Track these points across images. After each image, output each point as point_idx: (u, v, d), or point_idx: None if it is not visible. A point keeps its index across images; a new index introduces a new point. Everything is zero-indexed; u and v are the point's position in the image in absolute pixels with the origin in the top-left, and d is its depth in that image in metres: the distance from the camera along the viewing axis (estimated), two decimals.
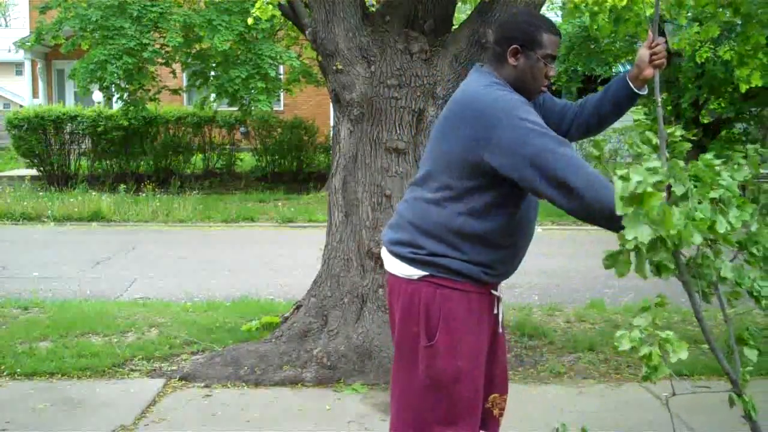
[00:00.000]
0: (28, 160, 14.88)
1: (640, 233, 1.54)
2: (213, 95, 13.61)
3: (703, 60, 10.65)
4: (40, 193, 13.05)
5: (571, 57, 13.94)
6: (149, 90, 13.49)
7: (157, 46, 12.54)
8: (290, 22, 8.88)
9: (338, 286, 4.41)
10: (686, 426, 3.58)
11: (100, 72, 11.91)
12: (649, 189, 1.51)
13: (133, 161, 14.92)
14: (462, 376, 2.21)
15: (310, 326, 4.43)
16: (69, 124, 14.46)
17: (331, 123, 7.60)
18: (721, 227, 1.64)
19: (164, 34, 12.38)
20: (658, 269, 1.72)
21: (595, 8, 6.35)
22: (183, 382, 4.16)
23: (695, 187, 1.73)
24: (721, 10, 5.94)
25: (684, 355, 1.65)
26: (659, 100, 2.11)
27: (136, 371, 4.34)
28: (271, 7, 5.45)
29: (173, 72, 13.80)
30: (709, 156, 1.77)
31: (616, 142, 15.08)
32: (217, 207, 12.21)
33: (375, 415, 3.72)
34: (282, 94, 16.94)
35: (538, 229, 2.32)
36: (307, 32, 4.64)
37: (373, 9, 4.70)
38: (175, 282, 7.12)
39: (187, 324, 5.21)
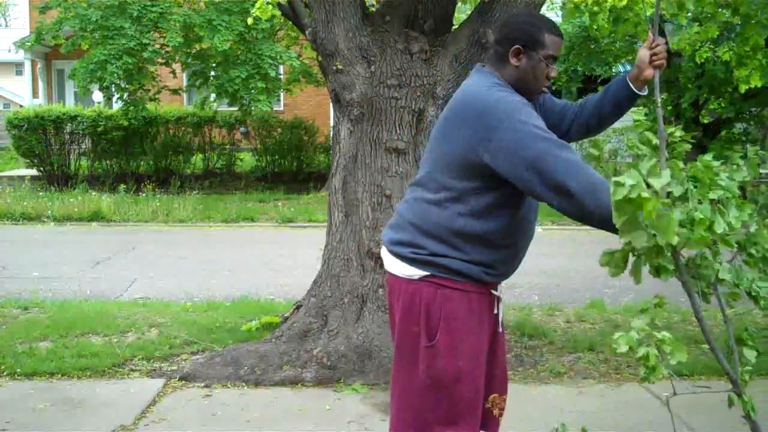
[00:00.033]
0: (28, 160, 14.89)
1: (636, 239, 1.53)
2: (213, 95, 13.62)
3: (703, 60, 10.65)
4: (40, 193, 13.05)
5: (571, 57, 13.95)
6: (149, 90, 13.49)
7: (157, 46, 12.54)
8: (290, 22, 8.88)
9: (338, 286, 4.41)
10: (686, 426, 3.59)
11: (100, 72, 11.91)
12: (644, 194, 1.49)
13: (133, 161, 14.92)
14: (463, 376, 2.22)
15: (310, 326, 4.43)
16: (69, 124, 14.46)
17: (331, 123, 7.60)
18: (719, 228, 1.64)
19: (164, 34, 12.39)
20: (657, 270, 1.72)
21: (595, 8, 6.36)
22: (183, 382, 4.16)
23: (694, 187, 1.73)
24: (720, 10, 5.95)
25: (683, 357, 1.64)
26: (659, 100, 2.11)
27: (136, 371, 4.34)
28: (271, 7, 5.45)
29: (173, 72, 13.80)
30: (708, 157, 1.77)
31: (616, 142, 15.09)
32: (217, 207, 12.21)
33: (375, 415, 3.72)
34: (282, 94, 16.94)
35: (538, 229, 2.32)
36: (307, 32, 4.64)
37: (373, 9, 4.70)
38: (175, 282, 7.12)
39: (187, 324, 5.21)
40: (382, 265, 4.00)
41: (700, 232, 1.59)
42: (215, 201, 13.00)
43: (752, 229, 1.79)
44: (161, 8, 12.22)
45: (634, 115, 2.12)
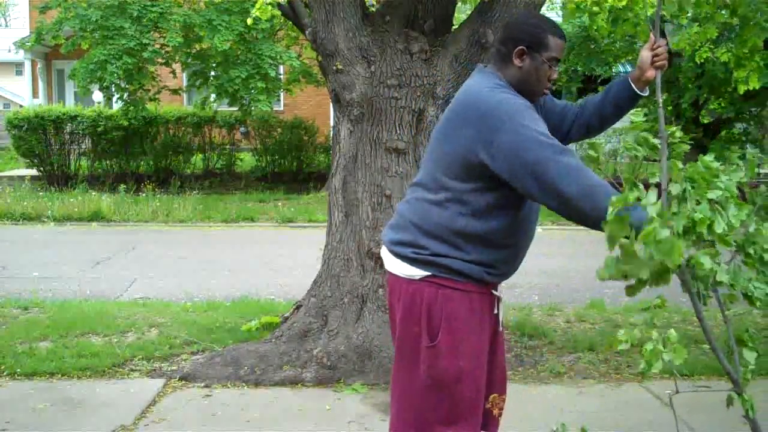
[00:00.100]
0: (28, 160, 14.88)
1: (638, 270, 1.52)
2: (213, 95, 13.62)
3: (702, 60, 10.65)
4: (40, 193, 13.05)
5: (571, 57, 13.95)
6: (149, 90, 13.49)
7: (157, 46, 12.54)
8: (290, 22, 8.87)
9: (338, 286, 4.41)
10: (687, 426, 3.59)
11: (100, 72, 11.91)
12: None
13: (133, 161, 14.92)
14: (464, 376, 2.22)
15: (310, 326, 4.43)
16: (69, 124, 14.46)
17: (331, 123, 7.59)
18: (719, 228, 1.64)
19: (164, 34, 12.38)
20: (657, 280, 1.73)
21: (594, 8, 6.36)
22: (183, 382, 4.16)
23: (692, 188, 1.73)
24: (719, 11, 5.95)
25: (680, 359, 1.65)
26: (660, 101, 2.12)
27: (136, 371, 4.34)
28: (270, 7, 5.45)
29: (173, 72, 13.80)
30: (709, 158, 1.77)
31: (616, 142, 15.08)
32: (217, 207, 12.21)
33: (375, 415, 3.72)
34: (282, 94, 16.94)
35: (538, 229, 2.32)
36: (307, 32, 4.64)
37: (373, 9, 4.70)
38: (175, 282, 7.12)
39: (187, 324, 5.21)
40: (382, 265, 4.00)
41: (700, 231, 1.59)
42: (215, 201, 13.00)
43: (751, 229, 1.80)
44: (161, 8, 12.22)
45: (632, 116, 2.12)
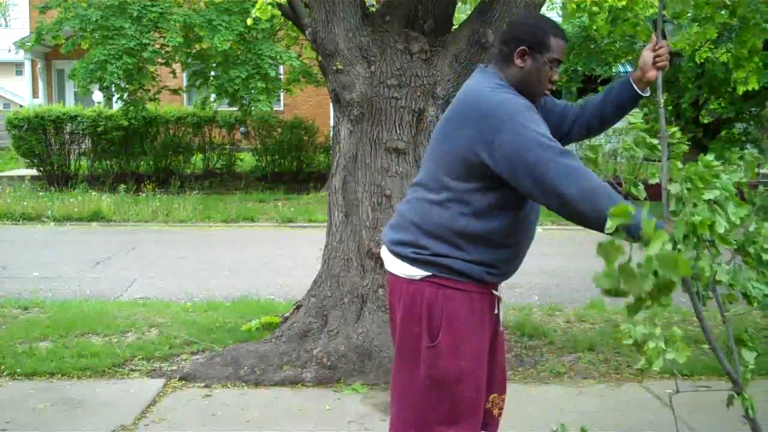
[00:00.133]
0: (28, 160, 14.88)
1: (641, 285, 1.52)
2: (213, 95, 13.61)
3: (702, 60, 10.65)
4: (40, 193, 13.05)
5: (571, 57, 13.95)
6: (149, 90, 13.48)
7: (157, 46, 12.54)
8: (290, 22, 8.87)
9: (338, 286, 4.41)
10: (687, 425, 3.59)
11: (100, 72, 11.90)
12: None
13: (133, 161, 14.92)
14: (464, 375, 2.22)
15: (310, 326, 4.43)
16: (69, 124, 14.46)
17: (331, 123, 7.60)
18: (720, 227, 1.64)
19: (164, 34, 12.38)
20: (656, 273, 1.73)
21: (594, 8, 6.36)
22: (183, 382, 4.16)
23: (688, 191, 1.74)
24: (718, 11, 5.96)
25: (683, 358, 1.65)
26: (662, 101, 2.12)
27: (136, 371, 4.34)
28: (270, 7, 5.45)
29: (173, 72, 13.80)
30: (709, 157, 1.77)
31: (616, 142, 15.08)
32: (217, 207, 12.21)
33: (375, 415, 3.72)
34: (282, 94, 16.94)
35: (538, 229, 2.33)
36: (307, 32, 4.64)
37: (373, 9, 4.70)
38: (175, 282, 7.12)
39: (187, 324, 5.21)
40: (382, 265, 4.00)
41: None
42: (215, 201, 13.00)
43: (751, 229, 1.80)
44: (161, 8, 12.22)
45: (630, 117, 2.13)
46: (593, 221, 1.97)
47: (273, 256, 8.57)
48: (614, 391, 4.16)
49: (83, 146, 14.83)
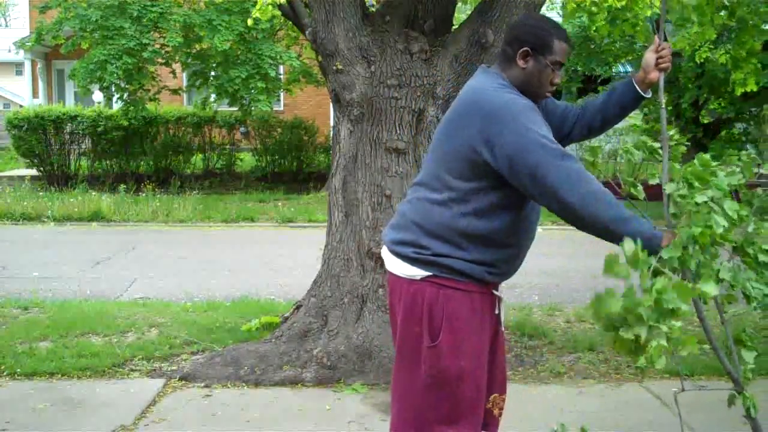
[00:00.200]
0: (28, 160, 14.88)
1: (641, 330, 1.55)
2: (213, 95, 13.61)
3: (702, 60, 10.65)
4: (40, 193, 13.05)
5: (571, 57, 13.94)
6: (149, 90, 13.49)
7: (157, 46, 12.54)
8: (290, 22, 8.88)
9: (338, 286, 4.41)
10: (687, 426, 3.58)
11: (100, 72, 11.90)
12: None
13: (133, 161, 14.92)
14: (465, 375, 2.22)
15: (310, 326, 4.43)
16: (69, 124, 14.46)
17: (331, 123, 7.60)
18: (719, 228, 1.65)
19: (164, 34, 12.38)
20: (655, 274, 1.74)
21: (593, 9, 6.36)
22: (183, 382, 4.16)
23: (684, 195, 1.74)
24: (717, 12, 5.96)
25: (694, 350, 1.65)
26: (663, 102, 2.14)
27: (136, 371, 4.34)
28: (271, 8, 5.46)
29: (173, 72, 13.80)
30: (706, 156, 1.78)
31: (616, 142, 15.09)
32: (217, 207, 12.21)
33: (375, 415, 3.72)
34: (282, 94, 16.94)
35: (538, 229, 2.35)
36: (307, 32, 4.64)
37: (373, 9, 4.70)
38: (175, 282, 7.12)
39: (187, 324, 5.21)
40: (382, 265, 4.01)
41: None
42: (215, 201, 13.00)
43: (750, 229, 1.80)
44: (161, 8, 12.22)
45: (631, 119, 2.13)
46: (591, 226, 2.01)
47: (273, 256, 8.57)
48: (614, 391, 4.16)
49: (83, 146, 14.84)
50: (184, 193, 13.49)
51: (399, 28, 4.28)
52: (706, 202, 1.72)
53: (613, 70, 14.65)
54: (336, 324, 4.35)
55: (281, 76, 14.76)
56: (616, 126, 2.57)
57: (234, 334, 4.89)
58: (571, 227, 2.10)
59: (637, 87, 2.41)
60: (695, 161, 1.80)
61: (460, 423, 2.24)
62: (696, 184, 1.75)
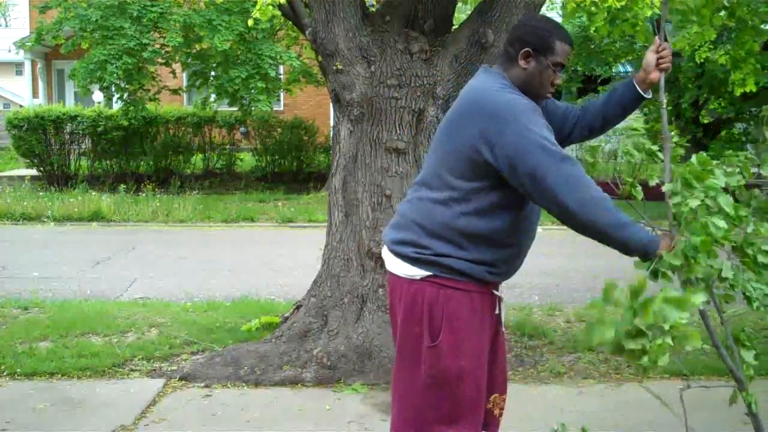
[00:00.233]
0: (28, 160, 14.88)
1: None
2: (213, 95, 13.61)
3: (702, 60, 10.65)
4: (40, 193, 13.05)
5: (571, 57, 13.95)
6: (149, 90, 13.49)
7: (157, 46, 12.54)
8: (290, 22, 8.88)
9: (338, 286, 4.41)
10: (688, 425, 3.58)
11: (100, 72, 11.90)
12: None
13: (133, 161, 14.92)
14: (465, 375, 2.22)
15: (310, 326, 4.43)
16: (69, 124, 14.46)
17: (331, 123, 7.60)
18: (718, 231, 1.65)
19: (164, 34, 12.38)
20: (655, 274, 1.74)
21: (593, 9, 6.36)
22: (183, 382, 4.16)
23: (683, 197, 1.75)
24: (717, 13, 5.96)
25: (697, 343, 1.65)
26: (665, 102, 2.14)
27: (136, 371, 4.34)
28: (271, 8, 5.45)
29: (173, 72, 13.80)
30: (704, 155, 1.79)
31: (616, 142, 15.09)
32: (217, 207, 12.21)
33: (375, 415, 3.72)
34: (282, 94, 16.94)
35: (538, 229, 2.36)
36: (307, 32, 4.65)
37: (373, 9, 4.70)
38: (175, 282, 7.12)
39: (187, 324, 5.21)
40: (382, 265, 4.01)
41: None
42: (215, 201, 13.00)
43: (749, 230, 1.81)
44: (161, 8, 12.22)
45: (633, 121, 2.14)
46: (588, 231, 2.03)
47: (273, 256, 8.57)
48: (614, 391, 4.16)
49: (83, 146, 14.83)
50: (184, 193, 13.49)
51: (399, 28, 4.28)
52: (701, 204, 1.73)
53: (613, 70, 14.65)
54: (336, 324, 4.35)
55: (281, 76, 14.77)
56: (617, 126, 2.58)
57: (234, 334, 4.89)
58: None
59: (638, 87, 2.42)
60: (693, 160, 1.81)
61: (460, 423, 2.25)
62: (694, 183, 1.76)
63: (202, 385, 4.13)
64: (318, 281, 4.56)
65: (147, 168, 14.98)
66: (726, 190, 1.89)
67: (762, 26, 6.68)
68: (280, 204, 12.85)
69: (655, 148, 2.06)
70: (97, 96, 14.99)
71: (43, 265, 7.89)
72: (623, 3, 6.26)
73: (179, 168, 15.19)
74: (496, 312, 2.33)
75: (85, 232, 10.57)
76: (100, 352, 4.55)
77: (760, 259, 1.78)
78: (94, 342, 4.83)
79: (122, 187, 13.06)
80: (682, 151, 2.05)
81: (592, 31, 7.12)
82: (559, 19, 13.77)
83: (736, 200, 1.95)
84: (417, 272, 2.23)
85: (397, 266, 2.29)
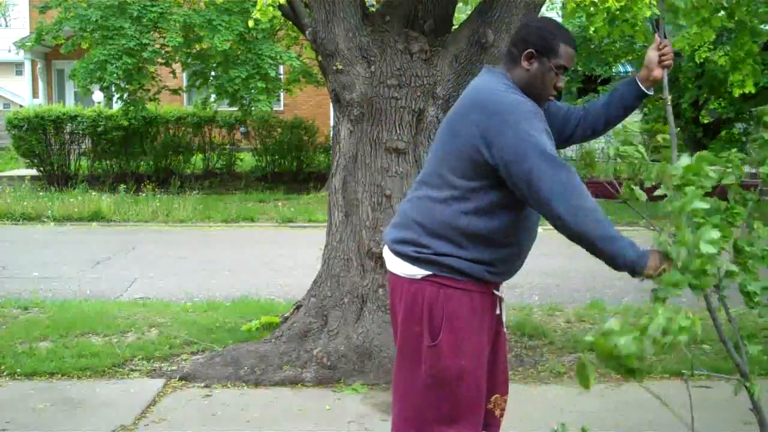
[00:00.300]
0: (28, 160, 14.88)
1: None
2: (213, 95, 13.61)
3: (702, 60, 10.66)
4: (40, 193, 13.05)
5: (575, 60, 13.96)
6: (149, 90, 13.49)
7: (157, 46, 12.54)
8: (290, 22, 8.88)
9: (338, 286, 4.41)
10: (687, 425, 3.58)
11: (100, 72, 11.91)
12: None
13: (133, 161, 14.92)
14: (465, 375, 2.22)
15: (310, 326, 4.43)
16: (69, 124, 14.46)
17: (331, 123, 7.60)
18: (712, 247, 1.66)
19: (164, 34, 12.38)
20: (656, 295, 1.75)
21: (592, 9, 6.37)
22: (183, 382, 4.16)
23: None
24: (716, 15, 5.97)
25: (698, 327, 1.66)
26: (668, 99, 2.16)
27: (136, 371, 4.34)
28: (271, 9, 5.45)
29: (173, 72, 13.80)
30: (706, 153, 1.79)
31: (606, 142, 15.11)
32: (217, 207, 12.21)
33: (375, 415, 3.72)
34: (282, 94, 16.94)
35: (538, 230, 2.37)
36: (307, 32, 4.65)
37: (373, 9, 4.70)
38: (175, 282, 7.12)
39: (187, 324, 5.21)
40: (382, 265, 4.01)
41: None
42: (215, 201, 13.00)
43: (749, 230, 1.81)
44: (161, 8, 12.22)
45: (626, 123, 2.15)
46: (578, 240, 2.03)
47: (273, 256, 8.57)
48: (614, 391, 4.16)
49: (83, 146, 14.84)
50: (184, 193, 13.49)
51: (399, 28, 4.28)
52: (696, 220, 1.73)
53: (613, 70, 14.66)
54: (336, 324, 4.35)
55: (281, 76, 14.77)
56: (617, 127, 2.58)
57: (234, 334, 4.89)
58: None
59: (641, 85, 2.42)
60: (685, 161, 1.81)
61: (460, 423, 2.24)
62: (694, 179, 1.75)
63: (202, 385, 4.13)
64: (318, 281, 4.56)
65: (147, 168, 14.98)
66: (722, 189, 1.89)
67: (761, 27, 6.68)
68: (280, 204, 12.85)
69: (641, 148, 2.06)
70: (97, 96, 14.99)
71: (43, 265, 7.89)
72: (622, 3, 6.26)
73: (179, 168, 15.19)
74: (497, 312, 2.33)
75: (85, 232, 10.57)
76: (100, 352, 4.55)
77: (751, 263, 1.79)
78: (94, 342, 4.83)
79: (122, 187, 13.06)
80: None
81: (591, 32, 7.13)
82: (559, 20, 13.77)
83: (726, 199, 1.96)
84: (417, 271, 2.23)
85: (397, 266, 2.29)
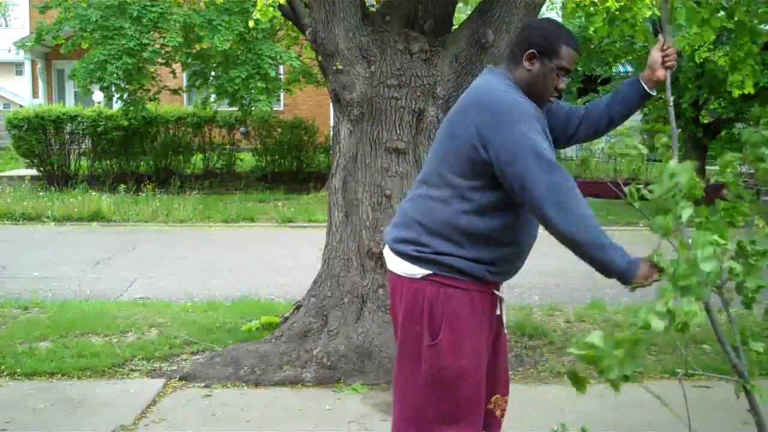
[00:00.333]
0: (28, 160, 14.88)
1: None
2: (213, 95, 13.62)
3: (702, 60, 10.66)
4: (40, 193, 13.05)
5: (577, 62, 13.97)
6: (149, 90, 13.49)
7: (157, 46, 12.54)
8: (290, 22, 8.88)
9: (338, 286, 4.41)
10: (686, 425, 3.58)
11: (100, 72, 11.91)
12: None
13: (133, 161, 14.92)
14: (465, 374, 2.23)
15: (310, 326, 4.43)
16: (69, 124, 14.46)
17: (331, 123, 7.60)
18: (706, 266, 1.66)
19: (164, 34, 12.39)
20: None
21: (591, 9, 6.37)
22: (183, 382, 4.16)
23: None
24: (715, 15, 5.97)
25: (702, 320, 1.66)
26: (671, 99, 2.16)
27: (136, 371, 4.34)
28: (271, 9, 5.45)
29: (173, 72, 13.80)
30: (731, 155, 1.80)
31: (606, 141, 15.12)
32: (217, 207, 12.21)
33: (375, 415, 3.72)
34: (282, 94, 16.95)
35: (539, 230, 2.38)
36: (307, 32, 4.65)
37: (373, 9, 4.70)
38: (175, 282, 7.12)
39: (187, 324, 5.21)
40: (382, 265, 4.01)
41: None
42: (215, 201, 13.00)
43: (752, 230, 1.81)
44: (161, 8, 12.23)
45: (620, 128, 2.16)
46: (568, 245, 2.05)
47: (273, 256, 8.57)
48: (614, 391, 4.15)
49: (83, 146, 14.84)
50: (184, 193, 13.50)
51: (399, 28, 4.28)
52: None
53: (613, 70, 14.67)
54: (336, 324, 4.35)
55: (281, 76, 14.77)
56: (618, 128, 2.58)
57: (234, 334, 4.89)
58: None
59: (644, 85, 2.43)
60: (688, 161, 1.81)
61: (460, 422, 2.25)
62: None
63: (202, 385, 4.13)
64: (318, 281, 4.56)
65: (147, 168, 14.98)
66: (720, 188, 1.90)
67: (761, 27, 6.68)
68: (280, 204, 12.86)
69: (641, 146, 2.06)
70: (97, 96, 14.99)
71: (43, 265, 7.89)
72: (622, 3, 6.26)
73: (179, 168, 15.20)
74: (497, 312, 2.33)
75: (85, 232, 10.57)
76: (100, 352, 4.55)
77: (752, 260, 1.79)
78: (94, 342, 4.83)
79: (122, 187, 13.06)
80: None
81: (591, 32, 7.13)
82: (559, 20, 13.76)
83: (724, 199, 1.96)
84: (417, 271, 2.23)
85: (397, 265, 2.29)
